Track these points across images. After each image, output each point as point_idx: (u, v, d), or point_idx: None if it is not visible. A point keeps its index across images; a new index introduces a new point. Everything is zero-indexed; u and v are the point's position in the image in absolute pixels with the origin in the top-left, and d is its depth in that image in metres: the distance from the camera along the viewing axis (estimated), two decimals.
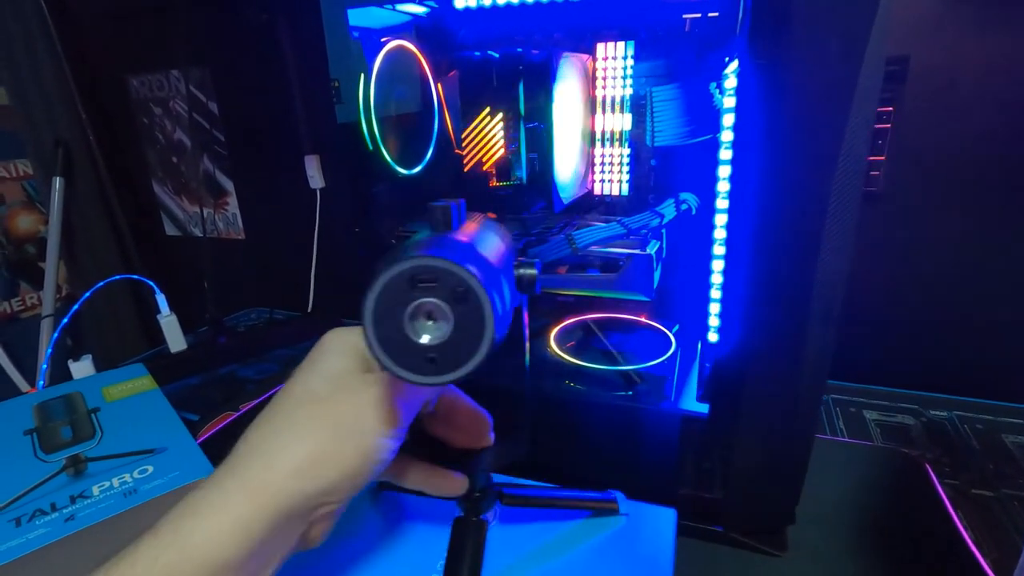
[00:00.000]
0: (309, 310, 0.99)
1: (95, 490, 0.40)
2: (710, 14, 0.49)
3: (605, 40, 0.50)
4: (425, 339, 0.20)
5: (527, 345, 0.28)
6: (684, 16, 0.50)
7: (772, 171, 0.35)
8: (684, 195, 0.50)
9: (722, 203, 0.48)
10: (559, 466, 0.43)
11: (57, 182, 1.06)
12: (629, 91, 0.52)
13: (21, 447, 0.45)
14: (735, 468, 0.42)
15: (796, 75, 0.33)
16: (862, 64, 0.32)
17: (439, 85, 0.53)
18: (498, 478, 0.33)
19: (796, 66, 0.33)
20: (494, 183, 0.50)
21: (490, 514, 0.30)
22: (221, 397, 0.72)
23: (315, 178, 0.94)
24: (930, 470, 0.52)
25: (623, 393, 0.47)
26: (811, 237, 0.35)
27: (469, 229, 0.23)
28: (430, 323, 0.20)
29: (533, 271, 0.23)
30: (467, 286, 0.20)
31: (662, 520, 0.40)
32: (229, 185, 1.08)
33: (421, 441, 0.28)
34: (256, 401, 0.70)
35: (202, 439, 0.60)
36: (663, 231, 0.49)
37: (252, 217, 1.10)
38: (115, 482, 0.41)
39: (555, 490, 0.39)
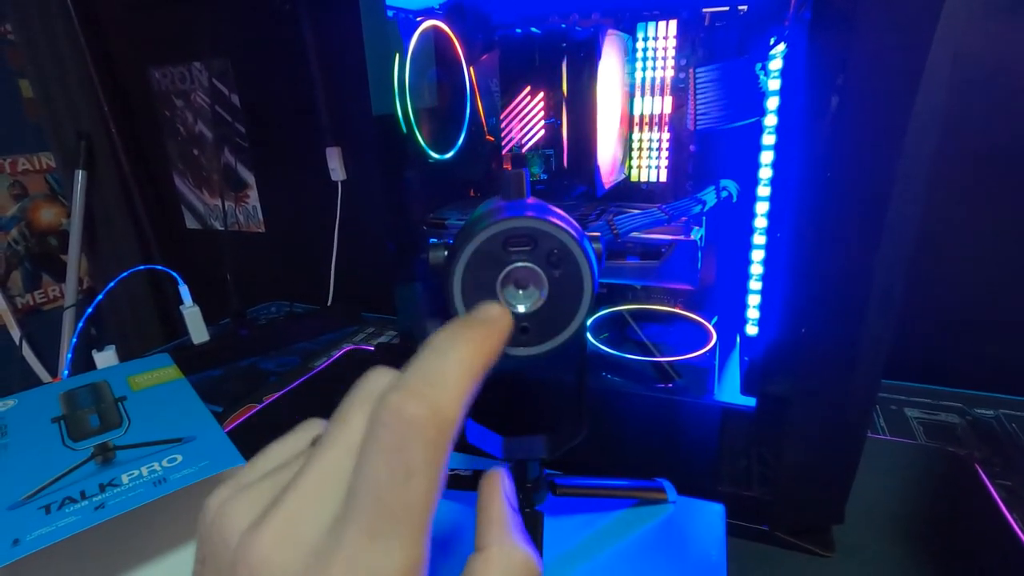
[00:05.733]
0: (329, 303, 0.98)
1: (124, 478, 0.39)
2: (739, 7, 0.48)
3: (646, 20, 0.49)
4: (520, 308, 0.19)
5: (584, 326, 0.27)
6: (704, 10, 0.48)
7: (833, 153, 0.33)
8: (724, 182, 0.49)
9: (764, 190, 0.46)
10: (595, 462, 0.42)
11: (79, 175, 1.06)
12: (670, 73, 0.50)
13: (49, 434, 0.44)
14: (784, 465, 0.40)
15: (863, 49, 0.31)
16: (933, 38, 0.30)
17: (471, 69, 0.52)
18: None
19: (863, 40, 0.31)
20: (538, 169, 0.49)
21: (543, 505, 0.29)
22: (244, 389, 0.72)
23: (336, 170, 0.94)
24: (980, 470, 0.50)
25: (662, 386, 0.46)
26: (873, 222, 0.33)
27: (534, 199, 0.22)
28: (520, 292, 0.19)
29: (599, 245, 0.22)
30: (565, 248, 0.18)
31: (711, 515, 0.38)
32: (250, 178, 1.08)
33: None
34: (278, 393, 0.70)
35: (226, 431, 0.59)
36: (703, 218, 0.47)
37: (273, 210, 1.09)
38: (144, 471, 0.40)
39: (604, 479, 0.38)
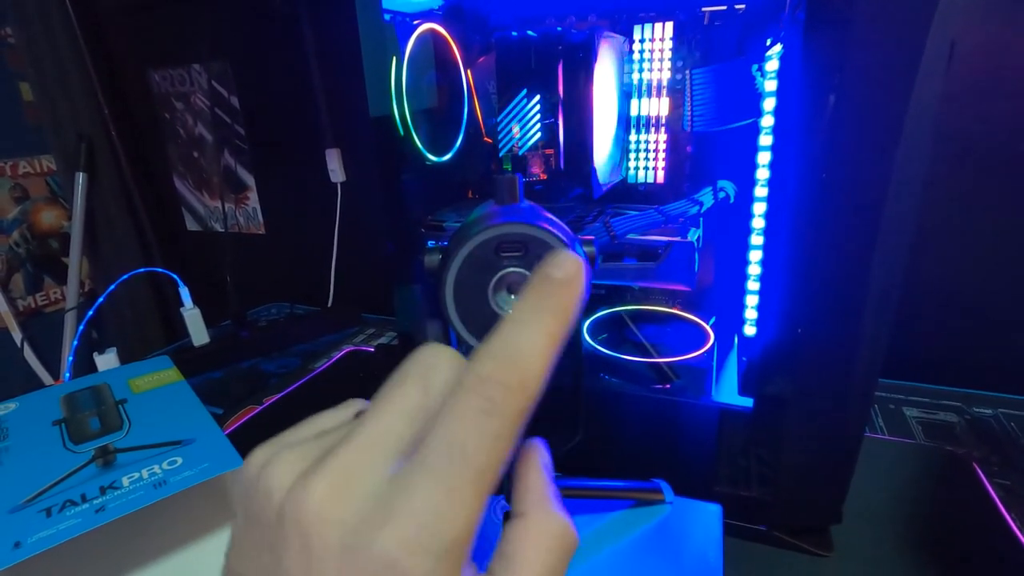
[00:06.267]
0: (329, 305, 0.98)
1: (125, 481, 0.39)
2: (737, 6, 0.48)
3: (642, 21, 0.49)
4: None
5: (580, 329, 0.27)
6: (703, 9, 0.48)
7: (828, 153, 0.33)
8: (721, 183, 0.49)
9: (761, 191, 0.46)
10: (593, 463, 0.42)
11: (80, 177, 1.07)
12: (667, 74, 0.50)
13: (50, 437, 0.45)
14: (782, 465, 0.40)
15: (857, 49, 0.31)
16: (927, 37, 0.30)
17: (468, 72, 0.52)
18: None
19: (857, 40, 0.31)
20: (536, 170, 0.49)
21: None
22: (244, 391, 0.72)
23: (336, 172, 0.94)
24: (978, 469, 0.50)
25: (660, 386, 0.46)
26: (869, 222, 0.33)
27: (528, 203, 0.22)
28: (512, 296, 0.19)
29: (592, 248, 0.22)
30: None
31: (708, 515, 0.39)
32: (250, 180, 1.08)
33: None
34: (279, 395, 0.70)
35: (226, 432, 0.59)
36: (701, 220, 0.47)
37: (273, 212, 1.10)
38: (144, 473, 0.40)
39: (601, 481, 0.38)
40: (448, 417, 0.15)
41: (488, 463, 0.15)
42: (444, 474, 0.14)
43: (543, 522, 0.17)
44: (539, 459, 0.19)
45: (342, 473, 0.15)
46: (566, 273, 0.17)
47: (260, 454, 0.17)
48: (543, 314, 0.16)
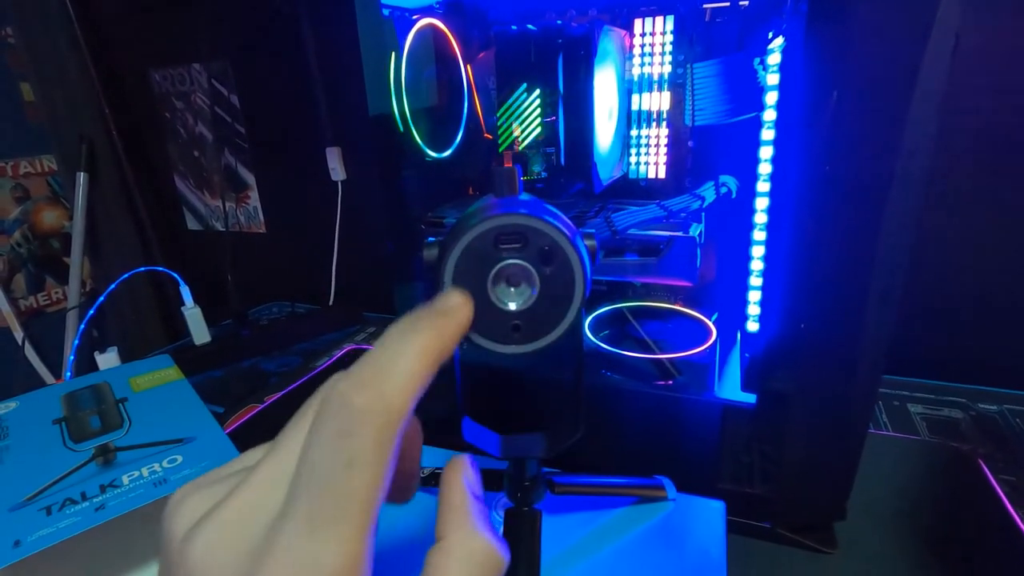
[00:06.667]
0: (330, 303, 0.98)
1: (125, 479, 0.39)
2: (741, 2, 0.47)
3: (643, 15, 0.49)
4: (511, 306, 0.19)
5: (581, 323, 0.27)
6: (705, 6, 0.48)
7: (831, 147, 0.33)
8: (723, 177, 0.48)
9: (763, 186, 0.46)
10: (595, 460, 0.41)
11: (81, 177, 1.07)
12: (668, 68, 0.50)
13: (50, 436, 0.45)
14: (785, 461, 0.40)
15: (860, 41, 0.31)
16: (932, 29, 0.30)
17: (468, 67, 0.52)
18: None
19: (860, 33, 0.31)
20: (537, 167, 0.49)
21: (541, 503, 0.29)
22: (245, 390, 0.72)
23: (336, 170, 0.94)
24: (983, 465, 0.50)
25: (662, 383, 0.46)
26: (872, 216, 0.33)
27: (528, 196, 0.22)
28: (512, 289, 0.19)
29: (594, 241, 0.21)
30: (556, 245, 0.18)
31: (711, 512, 0.38)
32: (250, 179, 1.08)
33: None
34: (280, 394, 0.70)
35: (227, 431, 0.59)
36: (703, 215, 0.47)
37: (273, 211, 1.10)
38: (145, 471, 0.40)
39: (603, 478, 0.38)
40: (306, 446, 0.14)
41: (348, 492, 0.14)
42: (305, 514, 0.14)
43: (462, 545, 0.16)
44: (460, 476, 0.18)
45: (228, 519, 0.15)
46: (447, 303, 0.17)
47: (179, 493, 0.17)
48: (410, 334, 0.16)
